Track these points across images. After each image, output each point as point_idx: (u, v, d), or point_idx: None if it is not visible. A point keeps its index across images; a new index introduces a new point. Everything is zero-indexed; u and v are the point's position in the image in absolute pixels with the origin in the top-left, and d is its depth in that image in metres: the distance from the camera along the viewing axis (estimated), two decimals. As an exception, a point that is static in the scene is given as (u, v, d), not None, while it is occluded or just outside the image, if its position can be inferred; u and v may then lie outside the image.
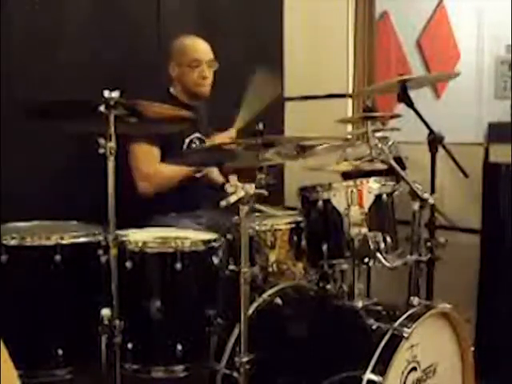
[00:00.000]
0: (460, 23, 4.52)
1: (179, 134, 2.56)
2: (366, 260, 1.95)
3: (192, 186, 2.60)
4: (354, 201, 1.99)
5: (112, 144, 1.81)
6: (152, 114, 1.95)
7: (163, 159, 2.53)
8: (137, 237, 2.03)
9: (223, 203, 1.70)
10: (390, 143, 2.46)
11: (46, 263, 1.91)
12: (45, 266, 1.91)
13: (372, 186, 2.02)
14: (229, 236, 2.12)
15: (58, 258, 1.90)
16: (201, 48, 2.67)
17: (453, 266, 2.53)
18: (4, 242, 1.90)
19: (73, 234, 1.96)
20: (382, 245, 1.93)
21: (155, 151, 2.53)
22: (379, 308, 1.97)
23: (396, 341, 1.75)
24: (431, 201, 2.03)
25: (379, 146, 2.13)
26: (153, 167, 2.52)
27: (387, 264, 1.93)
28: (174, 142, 2.54)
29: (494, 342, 2.64)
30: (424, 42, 4.32)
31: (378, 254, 1.92)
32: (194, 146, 2.66)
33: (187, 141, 2.65)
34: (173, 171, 2.53)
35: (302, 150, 2.05)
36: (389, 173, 2.12)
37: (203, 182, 2.72)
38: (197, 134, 2.67)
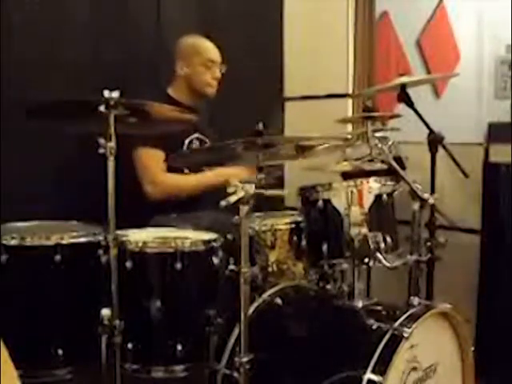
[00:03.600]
0: (460, 23, 4.51)
1: (179, 135, 2.56)
2: (366, 260, 1.95)
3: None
4: (354, 201, 1.98)
5: (112, 144, 1.81)
6: (154, 114, 1.95)
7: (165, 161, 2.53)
8: (137, 237, 2.03)
9: (223, 203, 1.70)
10: (389, 143, 2.46)
11: (46, 263, 1.91)
12: (45, 265, 1.92)
13: (372, 186, 2.02)
14: (229, 236, 2.11)
15: (57, 258, 1.90)
16: (214, 49, 2.70)
17: (453, 266, 2.53)
18: (4, 242, 1.90)
19: (73, 234, 1.96)
20: (382, 245, 1.93)
21: (160, 155, 2.52)
22: (379, 308, 1.97)
23: (396, 341, 1.75)
24: (431, 201, 2.03)
25: (379, 145, 2.13)
26: (159, 175, 2.51)
27: (387, 264, 1.93)
28: (174, 142, 2.54)
29: (493, 342, 2.64)
30: (424, 41, 4.31)
31: (378, 254, 1.92)
32: (193, 146, 2.66)
33: (187, 141, 2.65)
34: (178, 181, 2.53)
35: (302, 150, 2.05)
36: (389, 173, 2.12)
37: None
38: (196, 135, 2.67)
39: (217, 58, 2.68)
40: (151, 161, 2.52)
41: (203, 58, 2.65)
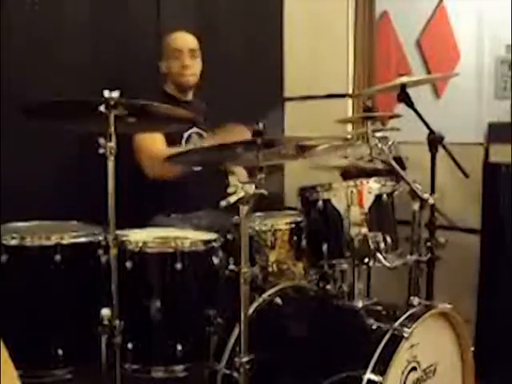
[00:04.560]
0: (460, 23, 4.51)
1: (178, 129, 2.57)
2: (366, 260, 1.95)
3: (192, 185, 2.60)
4: (353, 201, 1.99)
5: (112, 144, 1.81)
6: (153, 113, 1.95)
7: None
8: (137, 237, 2.03)
9: (223, 203, 1.70)
10: (389, 143, 2.46)
11: (46, 263, 1.91)
12: (45, 265, 1.91)
13: (372, 186, 2.02)
14: (229, 236, 2.11)
15: (57, 258, 1.90)
16: (181, 38, 2.71)
17: (453, 266, 2.53)
18: (4, 242, 1.90)
19: (73, 234, 1.96)
20: (382, 245, 1.93)
21: (159, 137, 2.53)
22: (379, 308, 1.97)
23: (396, 341, 1.75)
24: (431, 201, 2.03)
25: (379, 145, 2.13)
26: (157, 147, 2.50)
27: (387, 264, 1.93)
28: (173, 136, 2.55)
29: (493, 342, 2.64)
30: (424, 41, 4.31)
31: (378, 254, 1.92)
32: (192, 140, 2.67)
33: (185, 135, 2.65)
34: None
35: (302, 149, 2.05)
36: (389, 173, 2.12)
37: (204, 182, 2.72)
38: (195, 129, 2.68)
39: (183, 46, 2.67)
40: (149, 140, 2.51)
41: (170, 49, 2.69)
